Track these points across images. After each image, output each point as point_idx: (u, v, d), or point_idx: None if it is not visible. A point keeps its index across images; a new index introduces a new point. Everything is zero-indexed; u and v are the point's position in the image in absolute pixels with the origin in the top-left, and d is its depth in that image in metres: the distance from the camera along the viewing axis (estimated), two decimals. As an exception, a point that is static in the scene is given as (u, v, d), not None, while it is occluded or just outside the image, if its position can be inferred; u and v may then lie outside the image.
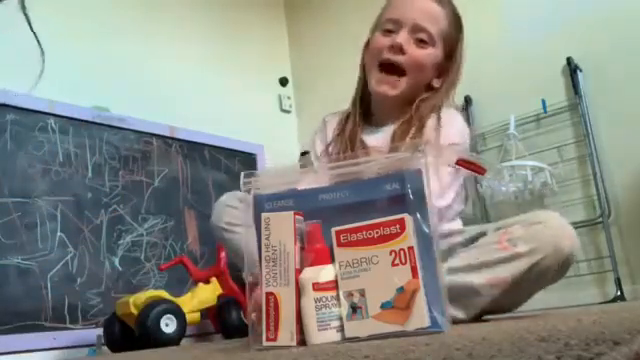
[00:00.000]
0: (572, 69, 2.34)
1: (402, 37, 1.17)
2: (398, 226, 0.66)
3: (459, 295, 0.95)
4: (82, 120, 2.24)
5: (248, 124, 2.91)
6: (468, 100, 2.60)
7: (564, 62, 2.38)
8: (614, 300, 2.08)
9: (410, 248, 0.65)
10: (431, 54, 1.19)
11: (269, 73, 3.21)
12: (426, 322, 0.63)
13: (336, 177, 0.74)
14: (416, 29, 1.18)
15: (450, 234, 1.10)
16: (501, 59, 2.53)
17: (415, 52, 1.17)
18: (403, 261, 0.65)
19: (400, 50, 1.16)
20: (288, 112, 3.26)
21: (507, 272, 0.94)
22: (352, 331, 0.66)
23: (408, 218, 0.66)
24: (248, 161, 2.82)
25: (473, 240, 1.04)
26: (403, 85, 1.18)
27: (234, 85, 2.94)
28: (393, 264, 0.65)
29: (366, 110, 1.28)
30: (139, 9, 2.63)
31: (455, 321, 0.95)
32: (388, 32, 1.20)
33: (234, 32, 3.04)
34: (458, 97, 2.55)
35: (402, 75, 1.18)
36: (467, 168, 0.73)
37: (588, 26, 2.33)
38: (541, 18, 2.46)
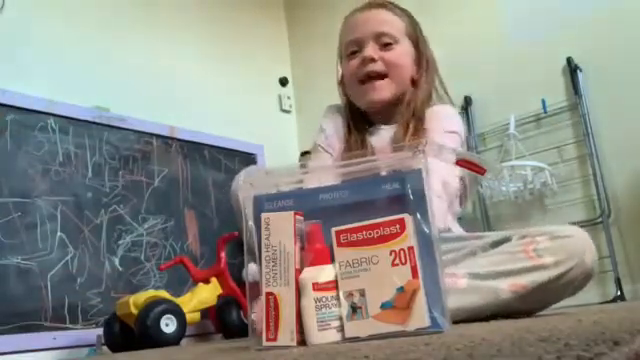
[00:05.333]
0: (572, 69, 2.34)
1: (369, 49, 1.21)
2: (398, 226, 0.66)
3: (480, 292, 0.97)
4: (82, 120, 2.24)
5: (248, 124, 2.91)
6: (468, 100, 2.60)
7: (564, 62, 2.38)
8: (614, 300, 2.08)
9: (410, 248, 0.65)
10: (402, 51, 1.24)
11: (269, 73, 3.21)
12: (426, 322, 0.63)
13: (344, 176, 0.74)
14: (378, 36, 1.22)
15: (466, 237, 1.10)
16: (501, 59, 2.53)
17: (386, 55, 1.22)
18: (403, 261, 0.65)
19: (372, 60, 1.21)
20: (288, 112, 3.26)
21: (529, 280, 0.96)
22: (352, 331, 0.66)
23: (408, 218, 0.66)
24: (248, 161, 2.82)
25: (495, 245, 1.05)
26: (388, 86, 1.22)
27: (234, 85, 2.94)
28: (393, 264, 0.65)
29: (364, 116, 1.31)
30: (139, 9, 2.63)
31: (472, 308, 0.96)
32: (354, 54, 1.25)
33: (234, 32, 3.04)
34: (458, 97, 2.59)
35: (384, 78, 1.22)
36: (467, 168, 0.73)
37: (588, 26, 2.33)
38: (541, 18, 2.46)
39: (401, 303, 0.64)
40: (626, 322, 0.50)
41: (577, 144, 2.33)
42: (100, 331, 1.93)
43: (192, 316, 1.94)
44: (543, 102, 2.39)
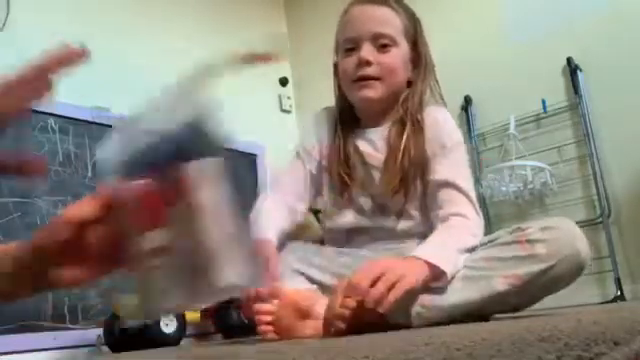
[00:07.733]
0: (572, 69, 2.34)
1: (365, 50, 1.19)
2: None
3: (476, 284, 0.98)
4: (82, 120, 2.24)
5: (248, 124, 2.91)
6: (468, 100, 2.60)
7: (564, 62, 2.38)
8: (614, 300, 2.08)
9: None
10: (397, 54, 1.21)
11: (269, 73, 3.21)
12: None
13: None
14: (376, 37, 1.20)
15: None
16: (501, 59, 2.53)
17: (381, 58, 1.20)
18: None
19: (367, 63, 1.19)
20: (288, 112, 3.26)
21: (524, 272, 0.97)
22: None
23: None
24: (249, 161, 2.82)
25: (489, 242, 1.06)
26: (381, 87, 1.21)
27: (234, 85, 2.94)
28: None
29: (353, 116, 1.30)
30: (139, 9, 2.63)
31: (468, 302, 0.96)
32: (351, 51, 1.23)
33: (234, 31, 3.03)
34: (458, 97, 2.59)
35: (377, 80, 1.21)
36: (260, 60, 0.72)
37: (588, 26, 2.33)
38: (541, 18, 2.46)
39: None
40: (626, 322, 0.50)
41: (577, 144, 2.33)
42: (100, 331, 1.93)
43: (192, 316, 1.94)
44: (543, 102, 2.39)
